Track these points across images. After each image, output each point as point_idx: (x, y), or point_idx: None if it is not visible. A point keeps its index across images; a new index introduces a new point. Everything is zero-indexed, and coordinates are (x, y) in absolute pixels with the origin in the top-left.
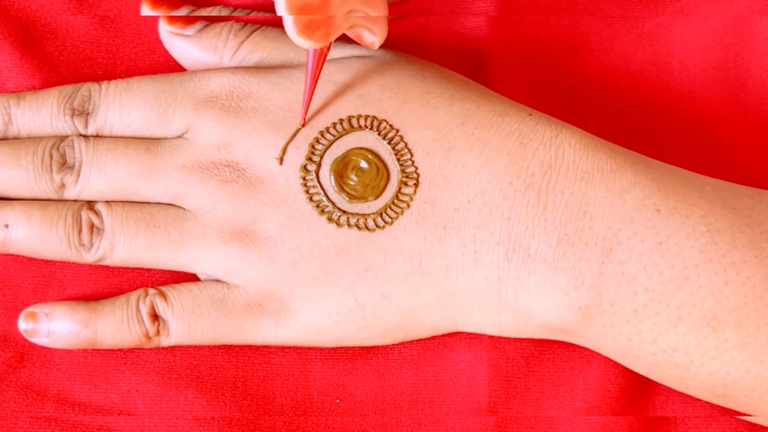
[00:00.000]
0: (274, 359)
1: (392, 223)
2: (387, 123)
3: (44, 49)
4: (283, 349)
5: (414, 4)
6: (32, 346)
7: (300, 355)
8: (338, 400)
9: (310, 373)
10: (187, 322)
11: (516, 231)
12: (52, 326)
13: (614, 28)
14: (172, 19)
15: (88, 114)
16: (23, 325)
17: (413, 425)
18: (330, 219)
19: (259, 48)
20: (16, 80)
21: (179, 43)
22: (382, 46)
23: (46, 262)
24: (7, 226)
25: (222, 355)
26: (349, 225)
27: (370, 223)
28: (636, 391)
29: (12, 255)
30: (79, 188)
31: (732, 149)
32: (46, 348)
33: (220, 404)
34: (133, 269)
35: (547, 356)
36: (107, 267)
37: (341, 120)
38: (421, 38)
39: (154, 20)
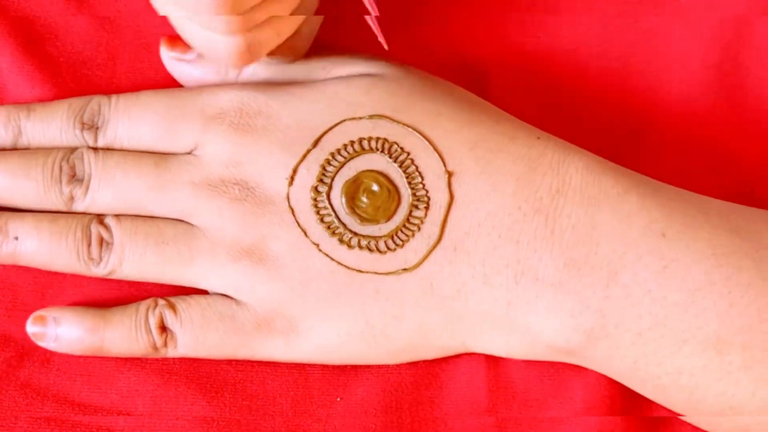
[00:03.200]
0: None
1: (403, 245)
2: (398, 146)
3: (44, 50)
4: None
5: None
6: (32, 345)
7: None
8: (339, 399)
9: (310, 373)
10: (195, 335)
11: (525, 254)
12: (60, 331)
13: (613, 27)
14: (173, 45)
15: (97, 128)
16: (31, 328)
17: (413, 425)
18: (341, 241)
19: (264, 65)
20: (15, 81)
21: (182, 67)
22: (391, 61)
23: None
24: (16, 238)
25: None
26: (360, 247)
27: (381, 246)
28: (634, 392)
29: None
30: (88, 201)
31: (730, 148)
32: (46, 348)
33: (220, 404)
34: None
35: None
36: None
37: (352, 142)
38: (420, 39)
39: (154, 22)
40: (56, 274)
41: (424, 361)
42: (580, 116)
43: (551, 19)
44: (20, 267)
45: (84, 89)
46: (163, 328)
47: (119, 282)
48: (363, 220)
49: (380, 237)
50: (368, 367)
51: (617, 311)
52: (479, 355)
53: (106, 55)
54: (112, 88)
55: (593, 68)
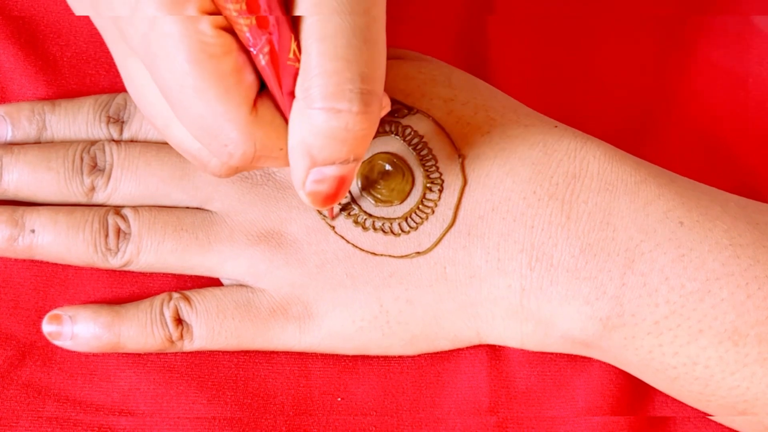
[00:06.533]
0: (275, 358)
1: (417, 228)
2: (411, 129)
3: (47, 49)
4: None
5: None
6: (33, 344)
7: (301, 354)
8: (339, 399)
9: (311, 372)
10: (210, 326)
11: (539, 240)
12: (76, 329)
13: (615, 26)
14: None
15: (123, 122)
16: (47, 327)
17: (414, 424)
18: (356, 222)
19: None
20: (19, 80)
21: None
22: (403, 47)
23: None
24: (33, 231)
25: (223, 354)
26: (374, 229)
27: (396, 228)
28: (637, 391)
29: None
30: (109, 191)
31: (731, 146)
32: (47, 346)
33: (221, 403)
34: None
35: (548, 356)
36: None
37: None
38: (421, 37)
39: None
40: (58, 272)
41: (426, 361)
42: (582, 114)
43: (556, 17)
44: (22, 266)
45: (87, 89)
46: (179, 321)
47: (122, 280)
48: (378, 200)
49: (394, 219)
50: (369, 366)
51: (634, 299)
52: (481, 354)
53: (109, 55)
54: (115, 87)
55: (595, 65)
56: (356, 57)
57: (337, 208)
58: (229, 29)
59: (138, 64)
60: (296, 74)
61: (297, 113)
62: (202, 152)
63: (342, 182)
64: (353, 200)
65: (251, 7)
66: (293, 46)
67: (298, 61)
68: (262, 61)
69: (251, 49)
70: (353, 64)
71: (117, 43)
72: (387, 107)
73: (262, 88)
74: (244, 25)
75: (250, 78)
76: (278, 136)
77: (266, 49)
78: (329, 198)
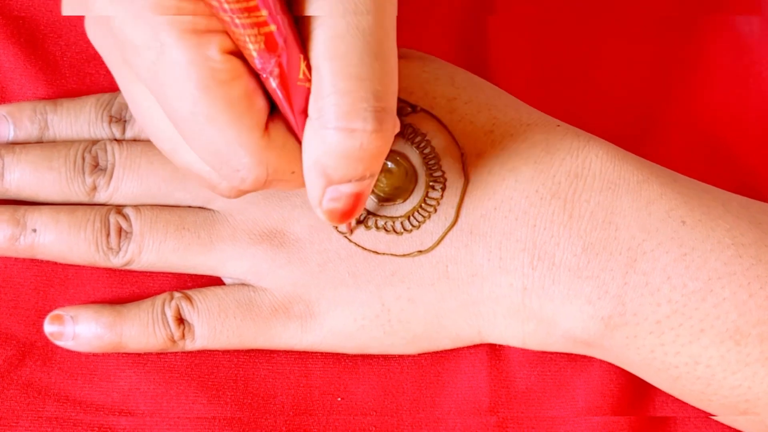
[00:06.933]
0: (275, 358)
1: (419, 227)
2: (413, 127)
3: (47, 49)
4: None
5: None
6: (33, 344)
7: (301, 354)
8: (339, 399)
9: (311, 372)
10: (212, 325)
11: (541, 238)
12: (78, 329)
13: (615, 26)
14: None
15: (125, 122)
16: (48, 328)
17: (414, 424)
18: (359, 221)
19: None
20: (19, 81)
21: None
22: (403, 47)
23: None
24: (35, 230)
25: (223, 354)
26: (377, 227)
27: (398, 227)
28: (637, 391)
29: None
30: (111, 190)
31: (731, 146)
32: (47, 346)
33: (221, 403)
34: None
35: (548, 356)
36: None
37: None
38: (421, 37)
39: None
40: (58, 272)
41: (426, 361)
42: (582, 114)
43: (556, 17)
44: (22, 266)
45: (87, 89)
46: (181, 320)
47: (123, 280)
48: (381, 199)
49: (397, 217)
50: (369, 366)
51: (636, 298)
52: (481, 354)
53: None
54: (116, 87)
55: (596, 65)
56: (369, 75)
57: (353, 222)
58: (238, 53)
59: (143, 90)
60: (307, 94)
61: (311, 133)
62: (212, 175)
63: (358, 198)
64: None
65: (261, 24)
66: (302, 66)
67: (308, 80)
68: (273, 83)
69: (261, 73)
70: (366, 83)
71: (120, 68)
72: (397, 127)
73: (273, 110)
74: (254, 50)
75: (261, 101)
76: (290, 159)
77: (276, 72)
78: (346, 214)
